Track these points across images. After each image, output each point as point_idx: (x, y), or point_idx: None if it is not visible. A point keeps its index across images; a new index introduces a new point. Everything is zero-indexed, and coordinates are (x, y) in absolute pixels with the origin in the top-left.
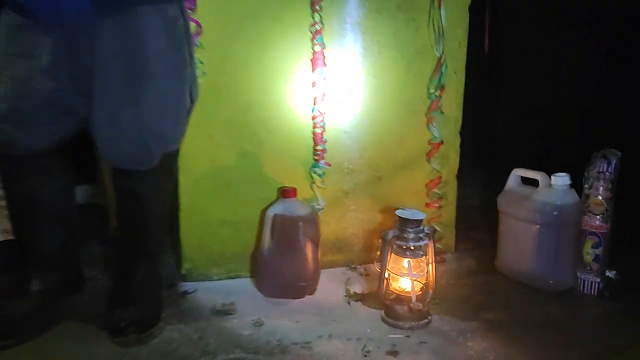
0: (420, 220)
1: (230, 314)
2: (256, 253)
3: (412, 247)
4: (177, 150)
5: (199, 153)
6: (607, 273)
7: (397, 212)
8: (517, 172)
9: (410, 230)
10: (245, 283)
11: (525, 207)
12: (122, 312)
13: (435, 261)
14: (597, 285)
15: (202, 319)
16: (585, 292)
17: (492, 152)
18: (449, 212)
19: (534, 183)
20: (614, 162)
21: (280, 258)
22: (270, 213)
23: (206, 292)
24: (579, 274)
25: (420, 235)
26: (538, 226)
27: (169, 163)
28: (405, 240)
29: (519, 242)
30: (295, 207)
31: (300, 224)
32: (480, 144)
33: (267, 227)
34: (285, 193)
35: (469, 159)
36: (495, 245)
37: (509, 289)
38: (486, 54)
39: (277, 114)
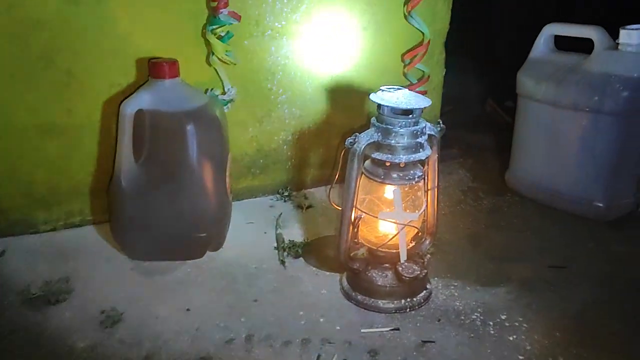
0: (419, 111)
1: (60, 300)
2: (111, 181)
3: (402, 164)
4: None
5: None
6: None
7: (372, 97)
8: (552, 30)
9: (402, 130)
10: (94, 235)
11: (569, 86)
12: None
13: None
14: None
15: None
16: None
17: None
18: (436, 93)
19: (580, 48)
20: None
21: (153, 188)
22: (130, 109)
23: (23, 255)
24: None
25: (419, 140)
26: (593, 115)
27: None
28: (391, 151)
29: (553, 145)
30: (178, 96)
31: (189, 127)
32: None
33: (124, 134)
34: (157, 70)
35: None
36: (501, 147)
37: (541, 221)
38: None
39: None
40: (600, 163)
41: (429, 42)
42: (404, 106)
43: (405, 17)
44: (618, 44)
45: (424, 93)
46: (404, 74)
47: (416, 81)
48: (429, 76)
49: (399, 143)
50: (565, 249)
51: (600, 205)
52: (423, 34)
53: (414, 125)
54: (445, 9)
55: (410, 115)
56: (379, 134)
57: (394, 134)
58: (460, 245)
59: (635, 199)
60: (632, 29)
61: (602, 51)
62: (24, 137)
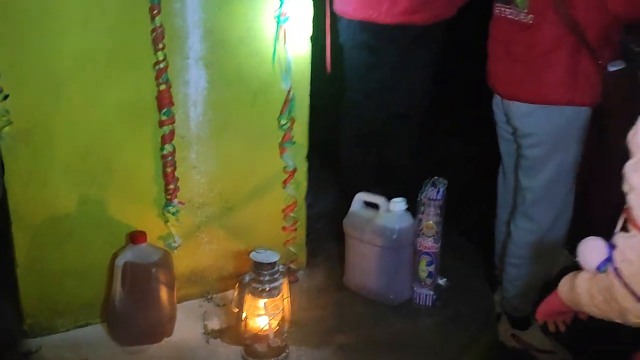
0: (275, 263)
1: None
2: (108, 301)
3: (267, 289)
4: None
5: (33, 202)
6: (439, 281)
7: (252, 256)
8: (360, 197)
9: (265, 272)
10: (98, 331)
11: (368, 230)
12: None
13: (289, 282)
14: (431, 297)
15: None
16: (421, 304)
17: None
18: (301, 232)
19: (376, 206)
20: (441, 189)
21: (133, 306)
22: (120, 261)
23: (53, 348)
24: (415, 288)
25: (275, 276)
26: (379, 248)
27: None
28: (261, 282)
29: (363, 262)
30: (146, 253)
31: (153, 270)
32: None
33: (117, 276)
34: (135, 238)
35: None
36: (342, 257)
37: (357, 306)
38: (328, 74)
39: (121, 156)
40: (386, 273)
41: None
42: (266, 261)
43: None
44: (390, 208)
45: None
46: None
47: None
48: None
49: (265, 278)
50: (368, 325)
51: (392, 296)
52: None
53: (272, 269)
54: None
55: (269, 266)
56: (255, 274)
57: (262, 274)
58: (308, 325)
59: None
60: (395, 202)
61: (383, 212)
62: (48, 277)
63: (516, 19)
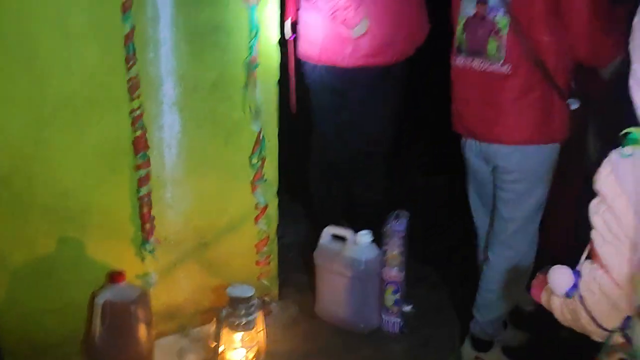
0: (250, 297)
1: None
2: (87, 339)
3: (243, 322)
4: None
5: (13, 242)
6: (405, 308)
7: (228, 291)
8: (329, 230)
9: (242, 307)
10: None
11: (337, 262)
12: None
13: (264, 314)
14: (398, 324)
15: None
16: (389, 330)
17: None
18: (273, 265)
19: (344, 239)
20: (404, 221)
21: (112, 344)
22: (100, 300)
23: None
24: (383, 316)
25: (251, 309)
26: (348, 278)
27: None
28: (238, 316)
29: (333, 292)
30: (125, 291)
31: (132, 308)
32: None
33: (96, 314)
34: (114, 278)
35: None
36: (314, 287)
37: (328, 335)
38: (294, 114)
39: (99, 197)
40: (355, 302)
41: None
42: (241, 296)
43: None
44: (356, 241)
45: None
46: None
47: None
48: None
49: (241, 312)
50: (339, 353)
51: (362, 325)
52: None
53: (247, 303)
54: None
55: (245, 300)
56: (231, 308)
57: (239, 308)
58: (283, 355)
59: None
60: (362, 234)
61: (351, 244)
62: (27, 316)
63: (490, 69)
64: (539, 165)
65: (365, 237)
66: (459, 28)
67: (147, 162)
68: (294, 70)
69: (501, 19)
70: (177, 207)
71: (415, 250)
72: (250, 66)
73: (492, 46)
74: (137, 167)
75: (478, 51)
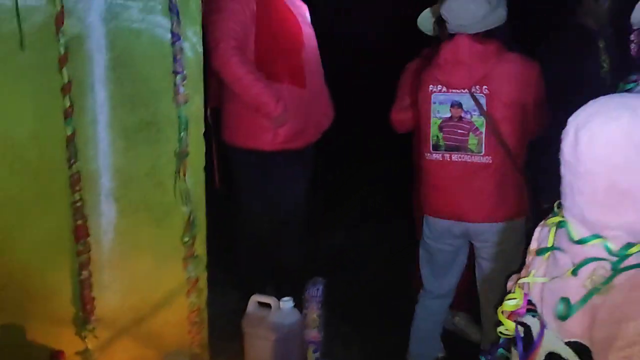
0: None
1: None
2: None
3: None
4: None
5: None
6: None
7: None
8: (255, 298)
9: None
10: None
11: (262, 327)
12: None
13: None
14: None
15: None
16: None
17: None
18: (204, 334)
19: (269, 305)
20: (320, 287)
21: None
22: None
23: None
24: None
25: None
26: (272, 342)
27: None
28: None
29: (260, 356)
30: None
31: None
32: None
33: None
34: (54, 358)
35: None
36: (243, 353)
37: None
38: (217, 188)
39: (41, 284)
40: None
41: None
42: None
43: None
44: (280, 307)
45: None
46: None
47: None
48: None
49: None
50: None
51: None
52: None
53: None
54: None
55: None
56: None
57: None
58: None
59: None
60: (284, 301)
61: (275, 310)
62: None
63: (471, 160)
64: (517, 237)
65: (287, 303)
66: (433, 129)
67: (87, 248)
68: (216, 151)
69: (477, 119)
70: (114, 287)
71: (336, 310)
72: (181, 156)
73: (472, 142)
74: (78, 253)
75: (457, 147)
